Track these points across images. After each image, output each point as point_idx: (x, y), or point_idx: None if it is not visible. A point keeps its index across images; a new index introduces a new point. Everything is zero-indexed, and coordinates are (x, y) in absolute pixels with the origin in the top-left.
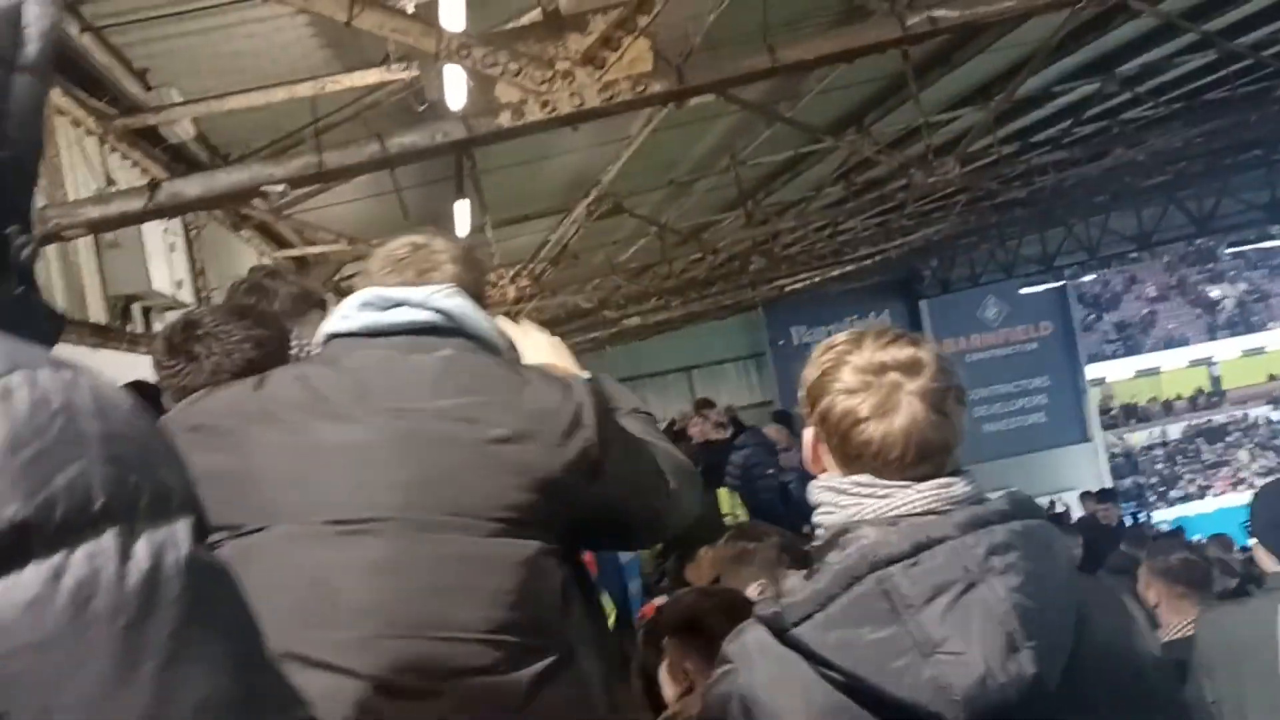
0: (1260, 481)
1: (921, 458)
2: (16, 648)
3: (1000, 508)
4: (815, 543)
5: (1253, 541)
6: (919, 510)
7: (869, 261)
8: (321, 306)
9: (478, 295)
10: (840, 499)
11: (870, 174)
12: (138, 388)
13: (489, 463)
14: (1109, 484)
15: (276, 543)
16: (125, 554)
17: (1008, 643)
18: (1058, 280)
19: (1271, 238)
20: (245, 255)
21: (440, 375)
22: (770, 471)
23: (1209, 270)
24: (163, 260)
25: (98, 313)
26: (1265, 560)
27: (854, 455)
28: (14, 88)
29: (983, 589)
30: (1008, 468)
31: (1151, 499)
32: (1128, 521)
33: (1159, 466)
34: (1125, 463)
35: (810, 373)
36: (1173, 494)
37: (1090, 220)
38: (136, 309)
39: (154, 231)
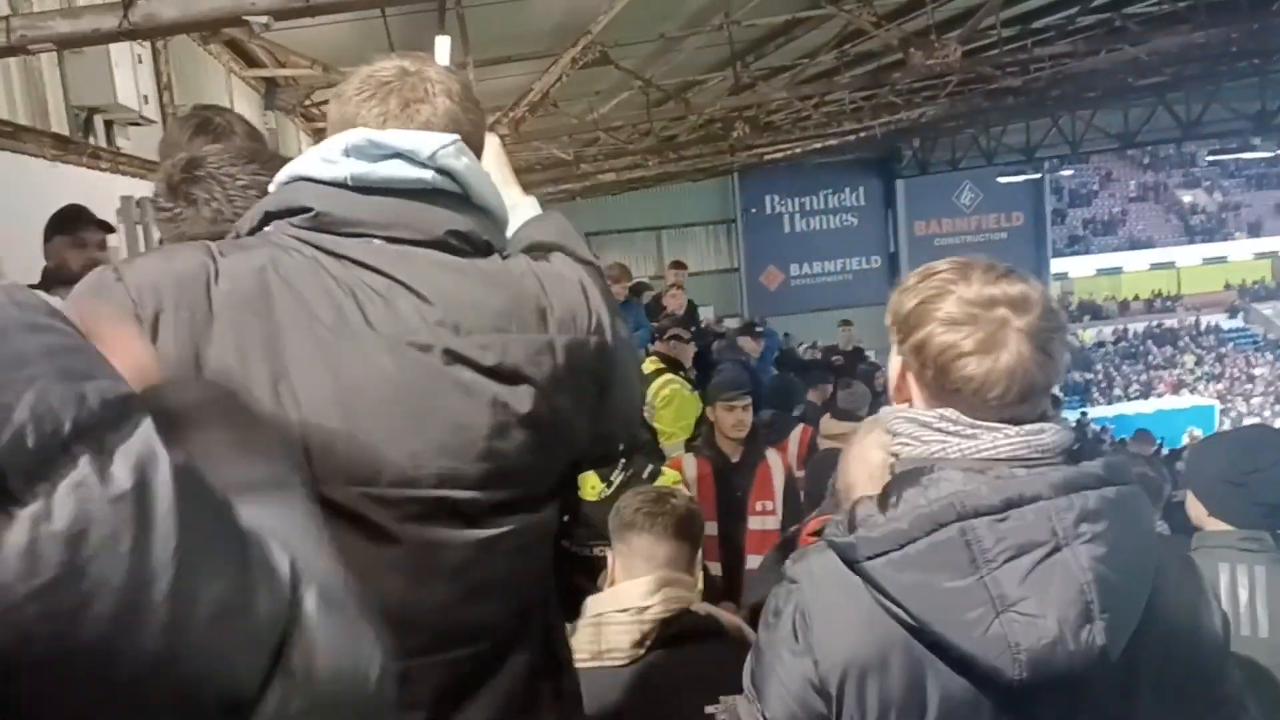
0: (1203, 387)
1: (1022, 398)
2: (19, 599)
3: (1095, 472)
4: (892, 473)
5: (1187, 494)
6: (1004, 456)
7: (852, 137)
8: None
9: (476, 144)
10: (923, 433)
11: (865, 46)
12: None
13: None
14: None
15: None
16: (105, 476)
17: (1083, 612)
18: (1036, 172)
19: (1253, 149)
20: (214, 71)
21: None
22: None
23: (1187, 175)
24: (128, 71)
25: (59, 123)
26: (1196, 512)
27: (951, 390)
28: None
29: (1066, 554)
30: None
31: (1094, 395)
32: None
33: (1105, 365)
34: (1073, 359)
35: (905, 300)
36: (1115, 392)
37: (1077, 114)
38: (99, 122)
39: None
